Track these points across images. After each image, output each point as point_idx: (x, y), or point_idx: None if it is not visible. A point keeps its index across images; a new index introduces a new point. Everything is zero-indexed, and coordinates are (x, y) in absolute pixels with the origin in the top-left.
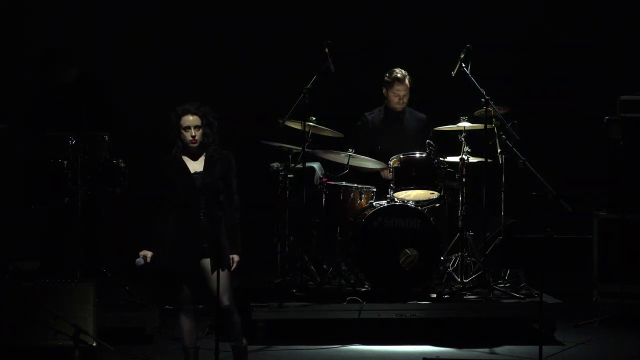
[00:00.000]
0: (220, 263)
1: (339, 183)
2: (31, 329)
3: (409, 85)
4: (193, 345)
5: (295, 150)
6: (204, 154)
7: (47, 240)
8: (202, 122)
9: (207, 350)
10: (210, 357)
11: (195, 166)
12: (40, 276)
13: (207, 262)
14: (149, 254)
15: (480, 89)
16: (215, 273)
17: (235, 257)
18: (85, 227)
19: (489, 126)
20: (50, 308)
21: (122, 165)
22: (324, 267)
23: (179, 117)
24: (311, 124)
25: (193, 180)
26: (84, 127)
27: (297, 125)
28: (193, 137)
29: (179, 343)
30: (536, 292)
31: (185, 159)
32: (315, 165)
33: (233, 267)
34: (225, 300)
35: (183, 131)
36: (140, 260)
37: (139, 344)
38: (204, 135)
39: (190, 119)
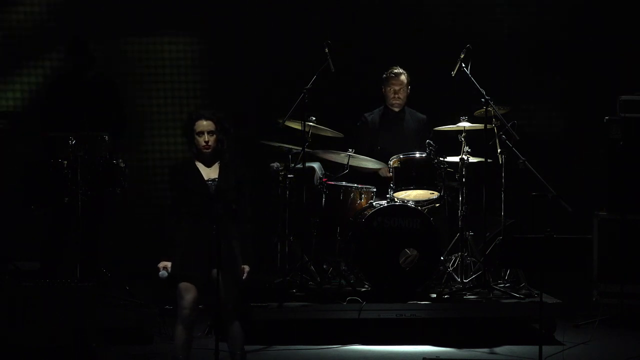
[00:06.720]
0: (230, 272)
1: (339, 183)
2: (31, 329)
3: (405, 82)
4: (184, 358)
5: (295, 150)
6: (219, 161)
7: (47, 240)
8: (216, 128)
9: (207, 350)
10: (210, 357)
11: (210, 173)
12: (40, 276)
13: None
14: (168, 264)
15: (480, 89)
16: (221, 280)
17: (246, 268)
18: (85, 227)
19: (489, 126)
20: (50, 308)
21: (122, 165)
22: (324, 267)
23: (193, 122)
24: (311, 124)
25: (207, 187)
26: (84, 127)
27: (297, 125)
28: (206, 142)
29: None
30: (536, 292)
31: (199, 165)
32: (315, 165)
33: (244, 277)
34: (229, 309)
35: (196, 136)
36: (164, 273)
37: (139, 344)
38: (217, 141)
39: (204, 124)
